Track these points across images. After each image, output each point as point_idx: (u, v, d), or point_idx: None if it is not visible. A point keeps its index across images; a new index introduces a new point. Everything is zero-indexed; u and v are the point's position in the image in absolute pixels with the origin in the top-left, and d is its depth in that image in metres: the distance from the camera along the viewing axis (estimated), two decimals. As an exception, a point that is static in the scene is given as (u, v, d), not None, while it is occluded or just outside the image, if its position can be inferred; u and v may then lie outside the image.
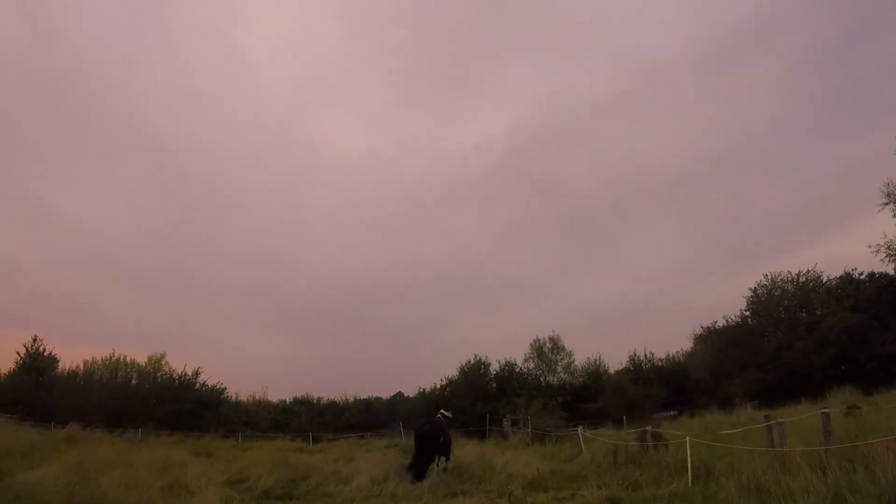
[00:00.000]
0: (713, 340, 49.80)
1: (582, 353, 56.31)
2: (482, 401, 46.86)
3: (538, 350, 54.69)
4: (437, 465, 20.36)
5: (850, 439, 13.79)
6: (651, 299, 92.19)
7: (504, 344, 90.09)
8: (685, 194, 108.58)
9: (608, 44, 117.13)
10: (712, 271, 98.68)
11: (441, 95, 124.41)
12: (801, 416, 19.09)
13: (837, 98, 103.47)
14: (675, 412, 43.45)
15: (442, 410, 24.34)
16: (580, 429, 25.30)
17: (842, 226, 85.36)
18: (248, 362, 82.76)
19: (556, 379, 53.62)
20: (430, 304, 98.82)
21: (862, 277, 44.40)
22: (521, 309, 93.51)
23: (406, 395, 59.52)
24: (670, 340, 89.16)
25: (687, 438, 16.58)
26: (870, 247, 38.77)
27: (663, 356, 55.20)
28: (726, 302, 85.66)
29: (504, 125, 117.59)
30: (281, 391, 67.14)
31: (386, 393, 59.94)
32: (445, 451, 21.14)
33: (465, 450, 25.50)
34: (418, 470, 19.89)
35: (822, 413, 14.50)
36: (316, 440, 43.24)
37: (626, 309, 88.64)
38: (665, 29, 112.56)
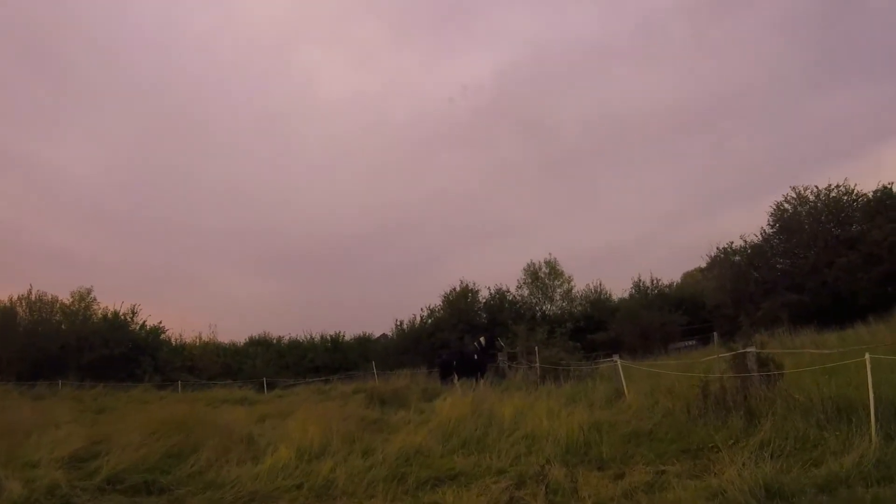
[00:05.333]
0: (731, 262, 43.20)
1: (578, 284, 50.19)
2: (471, 334, 39.64)
3: (533, 275, 48.14)
4: (477, 382, 23.79)
5: None
6: (642, 238, 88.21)
7: (493, 281, 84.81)
8: (678, 137, 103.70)
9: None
10: (705, 210, 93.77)
11: (430, 33, 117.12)
12: None
13: (832, 49, 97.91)
14: (695, 341, 38.71)
15: (480, 338, 28.97)
16: (617, 359, 17.92)
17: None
18: (220, 305, 76.41)
19: (553, 308, 47.35)
20: (417, 245, 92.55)
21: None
22: (510, 249, 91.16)
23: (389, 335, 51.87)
24: (669, 273, 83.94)
25: (867, 356, 9.31)
26: None
27: (668, 283, 49.58)
28: (723, 237, 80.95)
29: (493, 65, 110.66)
30: (241, 332, 60.50)
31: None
32: (471, 371, 26.14)
33: (453, 397, 18.16)
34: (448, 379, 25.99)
35: None
36: (272, 387, 36.90)
37: (617, 247, 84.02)
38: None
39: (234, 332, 71.49)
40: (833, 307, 34.40)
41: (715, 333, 25.80)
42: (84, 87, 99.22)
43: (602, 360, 24.38)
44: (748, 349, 12.10)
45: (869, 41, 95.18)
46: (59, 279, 77.65)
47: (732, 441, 9.53)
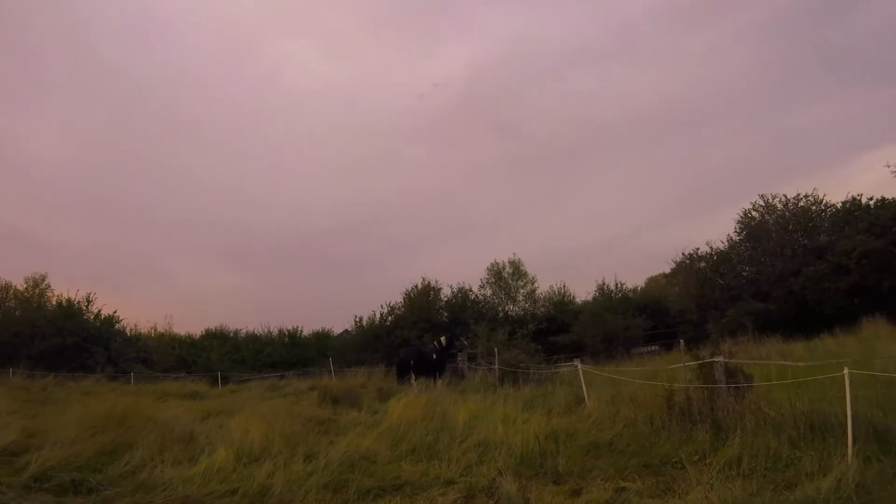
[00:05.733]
0: (696, 268, 42.96)
1: (542, 285, 49.78)
2: (431, 332, 38.88)
3: (496, 275, 47.34)
4: (436, 382, 23.74)
5: None
6: (608, 241, 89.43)
7: (458, 280, 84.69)
8: (648, 141, 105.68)
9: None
10: (672, 216, 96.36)
11: (403, 28, 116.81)
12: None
13: (800, 62, 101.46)
14: (658, 346, 38.09)
15: (441, 337, 27.28)
16: (578, 363, 17.31)
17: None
18: (180, 296, 75.57)
19: (516, 308, 46.58)
20: (384, 242, 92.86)
21: (871, 203, 37.95)
22: (476, 248, 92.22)
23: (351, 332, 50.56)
24: (633, 277, 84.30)
25: (846, 370, 8.62)
26: (887, 165, 36.19)
27: (633, 287, 49.29)
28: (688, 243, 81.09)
29: (466, 62, 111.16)
30: (200, 324, 59.42)
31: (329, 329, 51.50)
32: (429, 371, 25.18)
33: (407, 398, 17.42)
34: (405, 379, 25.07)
35: None
36: (227, 381, 36.28)
37: (582, 249, 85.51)
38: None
39: (192, 323, 70.83)
40: (798, 317, 34.18)
41: (682, 340, 25.24)
42: (52, 70, 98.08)
43: (563, 363, 23.66)
44: (716, 358, 11.41)
45: (844, 53, 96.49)
46: (11, 263, 76.75)
47: (698, 457, 8.91)
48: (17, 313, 42.18)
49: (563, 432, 11.30)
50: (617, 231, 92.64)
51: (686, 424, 10.49)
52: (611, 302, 44.68)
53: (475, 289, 47.38)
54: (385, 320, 44.50)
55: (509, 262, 47.77)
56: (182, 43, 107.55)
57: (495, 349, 25.01)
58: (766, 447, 8.79)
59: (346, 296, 79.65)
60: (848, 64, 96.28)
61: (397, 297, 46.14)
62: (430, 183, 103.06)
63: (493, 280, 47.45)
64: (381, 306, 45.73)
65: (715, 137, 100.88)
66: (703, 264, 42.70)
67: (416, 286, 45.57)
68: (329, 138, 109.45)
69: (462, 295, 46.27)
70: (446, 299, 46.05)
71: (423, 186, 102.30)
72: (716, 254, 42.48)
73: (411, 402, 16.01)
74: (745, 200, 64.67)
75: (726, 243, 42.61)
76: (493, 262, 48.18)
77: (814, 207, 39.97)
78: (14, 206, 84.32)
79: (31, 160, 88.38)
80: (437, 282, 46.16)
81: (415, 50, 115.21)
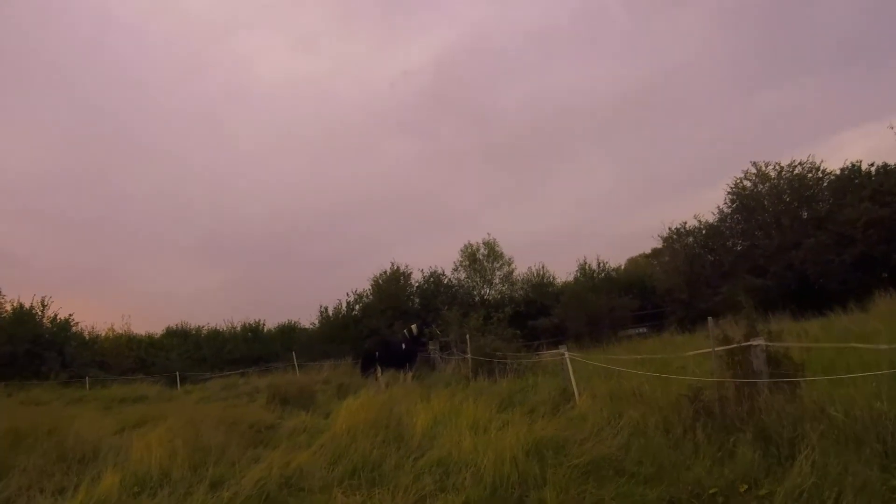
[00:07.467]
0: (684, 244, 41.13)
1: (520, 267, 48.39)
2: (402, 320, 36.38)
3: (470, 256, 45.02)
4: (405, 375, 22.63)
5: None
6: (583, 225, 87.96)
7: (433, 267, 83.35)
8: (621, 126, 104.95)
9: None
10: (647, 199, 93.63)
11: (372, 17, 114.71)
12: None
13: (780, 40, 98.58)
14: (646, 328, 36.83)
15: (412, 325, 25.56)
16: (565, 351, 14.19)
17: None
18: (145, 296, 72.30)
19: (493, 292, 44.40)
20: (358, 233, 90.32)
21: (871, 169, 35.54)
22: (452, 237, 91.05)
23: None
24: (611, 260, 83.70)
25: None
26: (891, 127, 33.72)
27: (615, 266, 47.30)
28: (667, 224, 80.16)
29: (436, 51, 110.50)
30: (162, 323, 57.20)
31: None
32: (398, 363, 23.53)
33: (364, 397, 14.49)
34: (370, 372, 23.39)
35: None
36: (186, 381, 34.61)
37: (558, 235, 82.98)
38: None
39: (155, 323, 68.67)
40: (800, 292, 32.44)
41: (710, 320, 22.83)
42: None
43: (545, 350, 21.38)
44: (754, 341, 8.49)
45: (817, 33, 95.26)
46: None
47: (746, 487, 6.09)
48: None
49: (551, 444, 8.40)
50: (593, 215, 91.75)
51: (719, 434, 7.52)
52: (593, 282, 42.68)
53: (448, 272, 45.32)
54: (352, 309, 42.39)
55: (483, 243, 45.64)
56: (144, 42, 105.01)
57: (468, 336, 22.40)
58: (846, 470, 5.85)
59: (319, 291, 78.38)
60: (822, 41, 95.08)
61: (365, 284, 44.13)
62: (403, 174, 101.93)
63: (467, 263, 45.27)
64: (347, 294, 43.54)
65: (688, 118, 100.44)
66: (690, 239, 40.91)
67: (385, 271, 43.52)
68: (299, 133, 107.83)
69: (434, 279, 44.11)
70: (417, 284, 44.03)
71: (397, 178, 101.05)
72: (705, 227, 40.66)
73: (366, 402, 13.26)
74: (723, 181, 63.64)
75: (716, 215, 40.68)
76: (466, 243, 46.04)
77: (810, 175, 37.81)
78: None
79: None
80: (406, 267, 44.11)
81: (383, 40, 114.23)
